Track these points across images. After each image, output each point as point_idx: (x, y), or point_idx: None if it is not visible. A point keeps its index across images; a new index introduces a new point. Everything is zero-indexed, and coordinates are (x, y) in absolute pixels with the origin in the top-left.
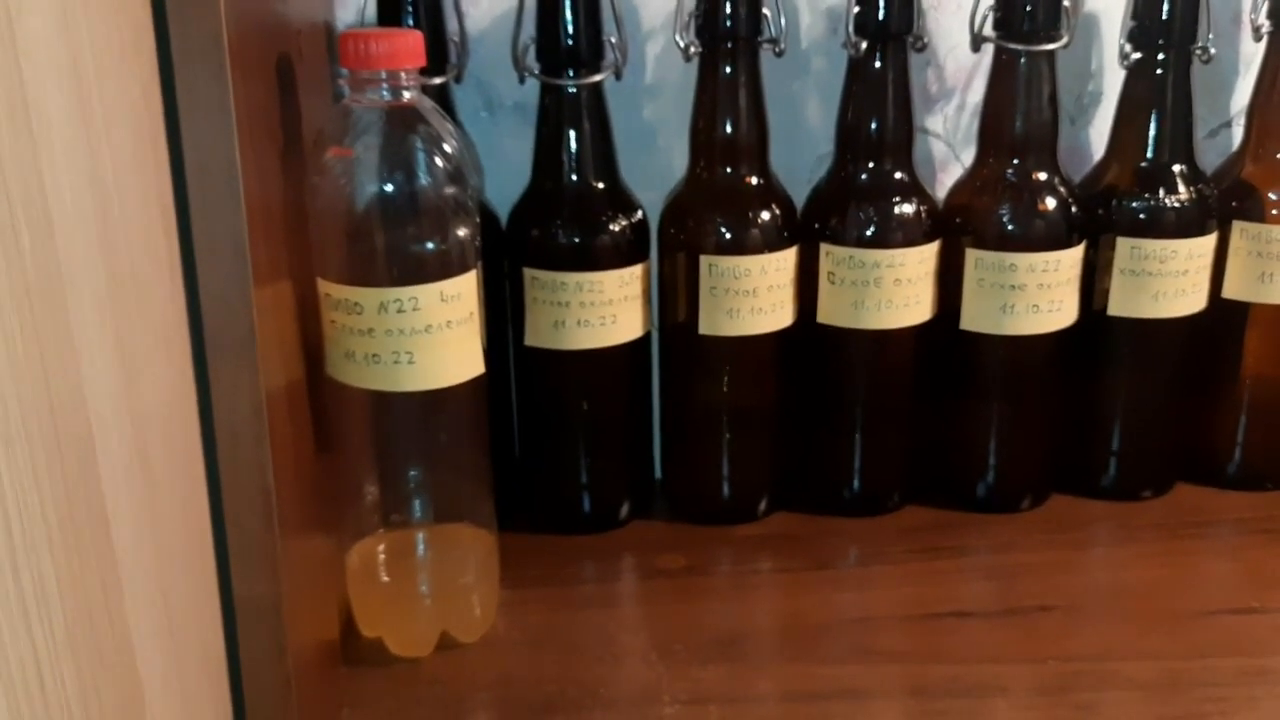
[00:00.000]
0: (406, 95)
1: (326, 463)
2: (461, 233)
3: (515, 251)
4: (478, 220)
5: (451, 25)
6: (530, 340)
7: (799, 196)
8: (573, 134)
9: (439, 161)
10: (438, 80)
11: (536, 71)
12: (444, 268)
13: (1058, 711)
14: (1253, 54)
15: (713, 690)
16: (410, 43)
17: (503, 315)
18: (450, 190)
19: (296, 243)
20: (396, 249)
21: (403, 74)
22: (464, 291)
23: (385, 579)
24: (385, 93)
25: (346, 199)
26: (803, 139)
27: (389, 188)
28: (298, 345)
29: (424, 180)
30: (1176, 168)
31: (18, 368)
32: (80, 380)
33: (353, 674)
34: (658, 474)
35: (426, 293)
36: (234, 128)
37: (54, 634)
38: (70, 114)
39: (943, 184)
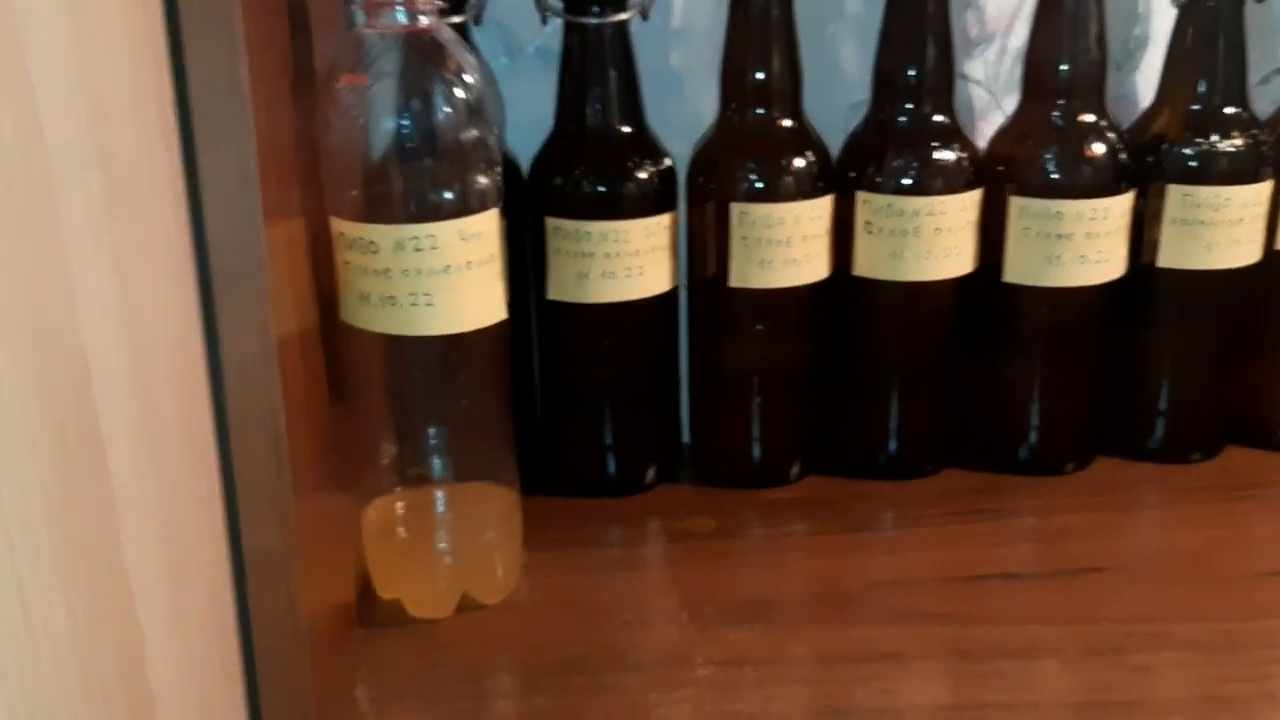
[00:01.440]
0: (423, 20)
1: (341, 415)
2: (482, 168)
3: (537, 200)
4: (499, 158)
5: None
6: (553, 294)
7: (834, 146)
8: (597, 76)
9: (459, 92)
10: (456, 20)
11: (559, 10)
12: (463, 205)
13: (1112, 673)
14: None
15: (747, 652)
16: None
17: (524, 270)
18: (470, 123)
19: (309, 180)
20: (413, 184)
21: None
22: (485, 230)
23: (403, 536)
24: (401, 17)
25: (360, 131)
26: (837, 86)
27: (405, 118)
28: (310, 289)
29: (442, 111)
30: (1229, 111)
31: None
32: (72, 290)
33: (369, 636)
34: (685, 437)
35: (445, 230)
36: (242, 48)
37: (41, 561)
38: (59, 6)
39: (983, 133)
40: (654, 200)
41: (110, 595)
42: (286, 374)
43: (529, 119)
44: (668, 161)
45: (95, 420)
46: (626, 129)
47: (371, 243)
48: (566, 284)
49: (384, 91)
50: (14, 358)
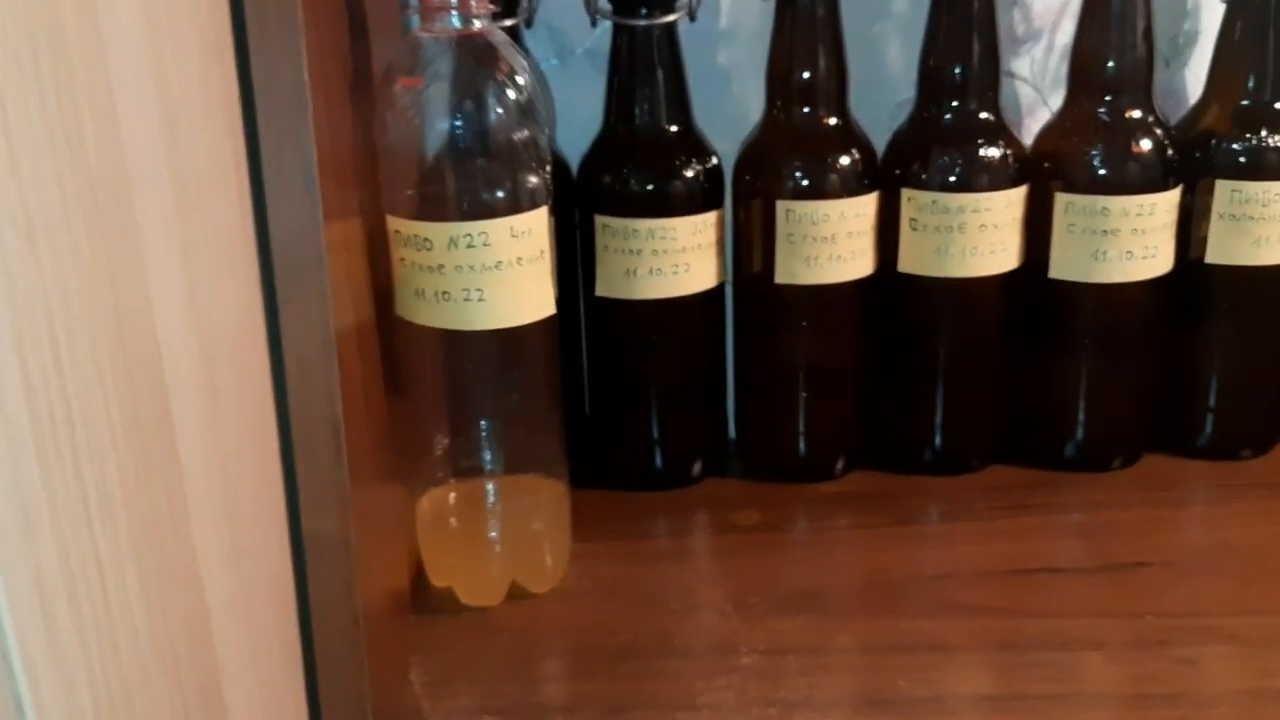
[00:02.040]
0: (477, 24)
1: (397, 408)
2: (533, 167)
3: (586, 199)
4: (549, 158)
5: None
6: (601, 290)
7: (879, 144)
8: (645, 77)
9: (510, 93)
10: (508, 23)
11: (608, 12)
12: (514, 203)
13: (1158, 665)
14: None
15: (792, 641)
16: None
17: (574, 267)
18: (521, 123)
19: (366, 180)
20: (466, 183)
21: (473, 2)
22: (535, 228)
23: (455, 526)
24: (455, 21)
25: (415, 131)
26: (883, 85)
27: (458, 119)
28: (367, 285)
29: (495, 111)
30: (1279, 106)
31: (81, 259)
32: (147, 284)
33: (423, 623)
34: (732, 431)
35: (496, 228)
36: (302, 50)
37: (117, 536)
38: (136, 14)
39: (1030, 130)
40: (700, 198)
41: (179, 572)
42: (344, 366)
43: (579, 119)
44: (714, 160)
45: (167, 407)
46: (674, 128)
47: (426, 240)
48: (614, 281)
49: (438, 93)
50: (95, 347)
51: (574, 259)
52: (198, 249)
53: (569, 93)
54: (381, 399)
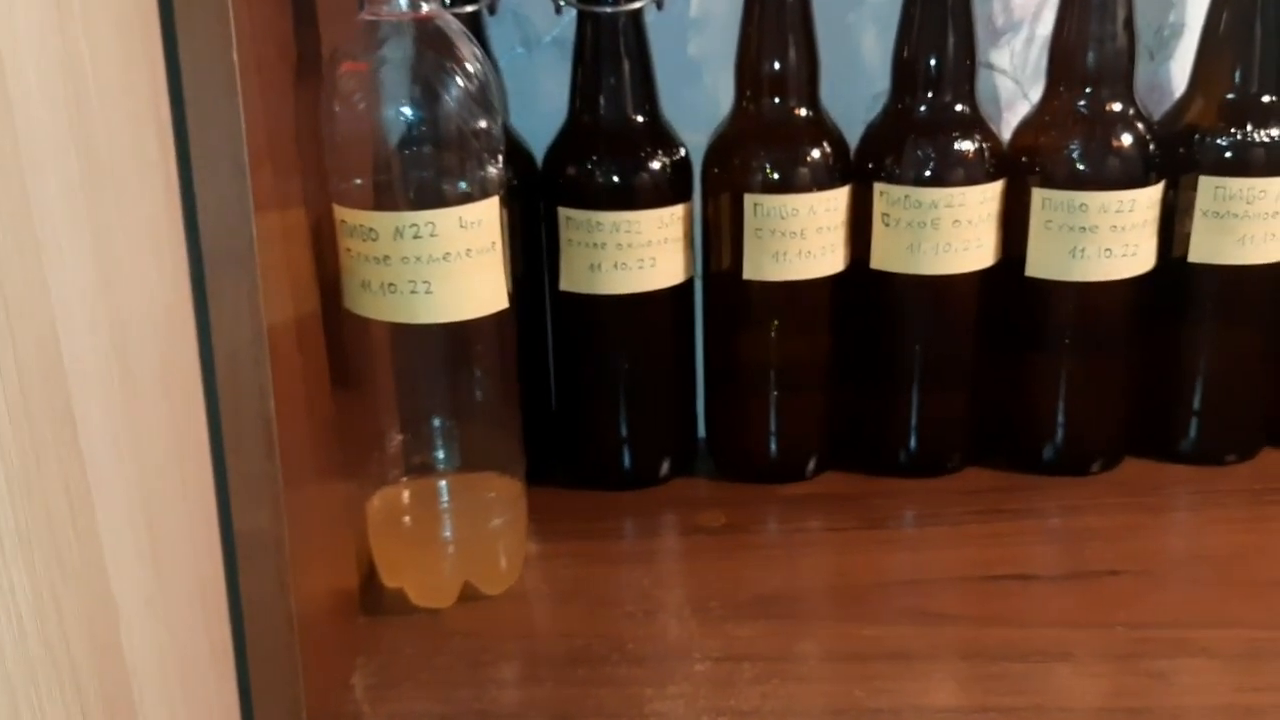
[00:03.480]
0: (426, 7)
1: (346, 402)
2: (482, 157)
3: (550, 190)
4: (502, 147)
5: None
6: (565, 284)
7: (854, 136)
8: (611, 66)
9: (460, 80)
10: (470, 9)
11: None
12: (464, 193)
13: (1127, 679)
14: None
15: (748, 648)
16: None
17: (539, 260)
18: (472, 112)
19: (312, 167)
20: (413, 172)
21: None
22: (485, 219)
23: (408, 525)
24: (404, 3)
25: (360, 117)
26: (858, 76)
27: (404, 105)
28: (311, 275)
29: (443, 99)
30: (1266, 100)
31: None
32: (42, 265)
33: (372, 623)
34: (702, 430)
35: (444, 218)
36: (233, 36)
37: (3, 531)
38: None
39: (1009, 124)
40: (667, 191)
41: (79, 569)
42: (281, 359)
43: (546, 109)
44: (682, 152)
45: (67, 399)
46: (640, 119)
47: (371, 230)
48: (578, 275)
49: (385, 79)
50: None
51: (540, 252)
52: (111, 232)
53: (535, 81)
54: (326, 393)
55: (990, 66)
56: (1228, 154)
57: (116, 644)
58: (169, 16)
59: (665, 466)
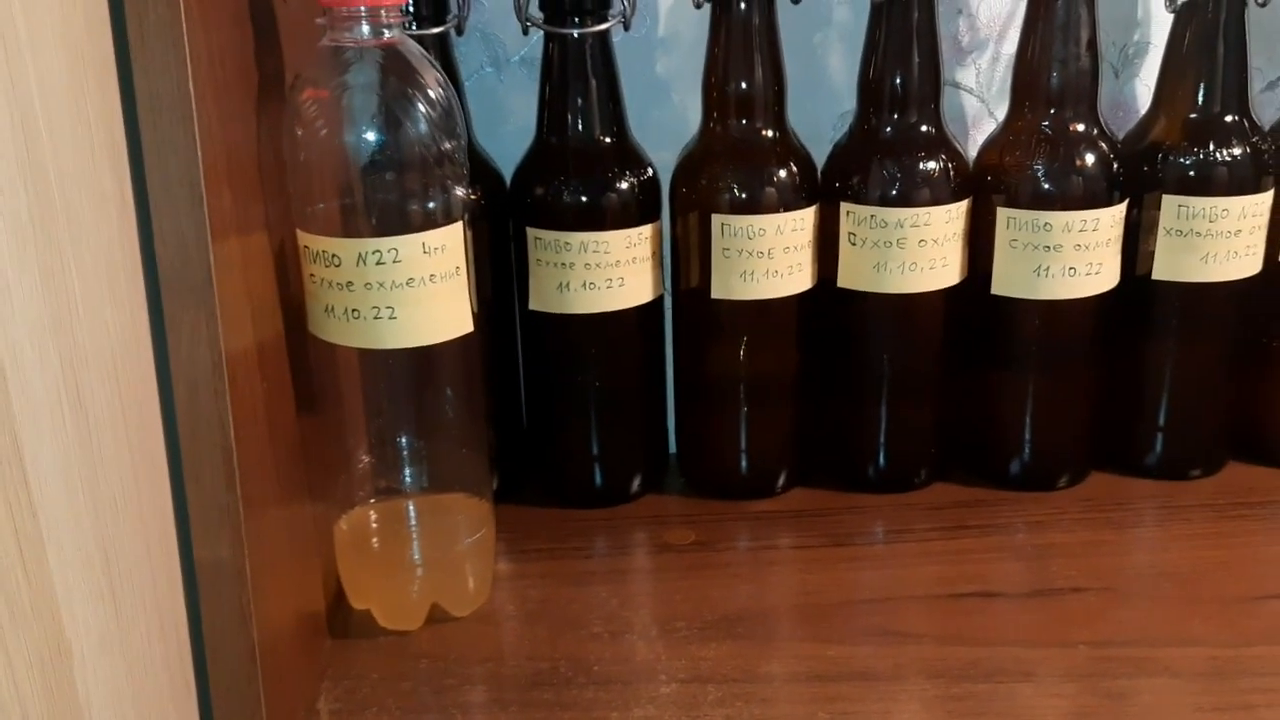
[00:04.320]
0: (387, 34)
1: (313, 427)
2: (446, 182)
3: (518, 211)
4: (466, 171)
5: None
6: (534, 304)
7: (821, 155)
8: (578, 87)
9: (422, 106)
10: (437, 30)
11: (540, 20)
12: (427, 218)
13: (1087, 699)
14: None
15: (713, 669)
16: None
17: (509, 279)
18: (434, 137)
19: (276, 192)
20: (376, 197)
21: (383, 11)
22: (449, 244)
23: (374, 547)
24: (365, 31)
25: (322, 144)
26: (826, 95)
27: (366, 131)
28: (274, 301)
29: (405, 124)
30: (1229, 119)
31: None
32: None
33: (339, 646)
34: (672, 447)
35: (408, 244)
36: (187, 60)
37: None
38: None
39: (976, 141)
40: (635, 211)
41: (29, 614)
42: (242, 387)
43: (515, 128)
44: (649, 171)
45: (15, 440)
46: (608, 139)
47: (334, 256)
48: (547, 295)
49: (347, 105)
50: None
51: (510, 272)
52: (64, 268)
53: (504, 100)
54: (290, 419)
55: (956, 85)
56: (1191, 173)
57: (70, 685)
58: (123, 43)
59: (636, 483)
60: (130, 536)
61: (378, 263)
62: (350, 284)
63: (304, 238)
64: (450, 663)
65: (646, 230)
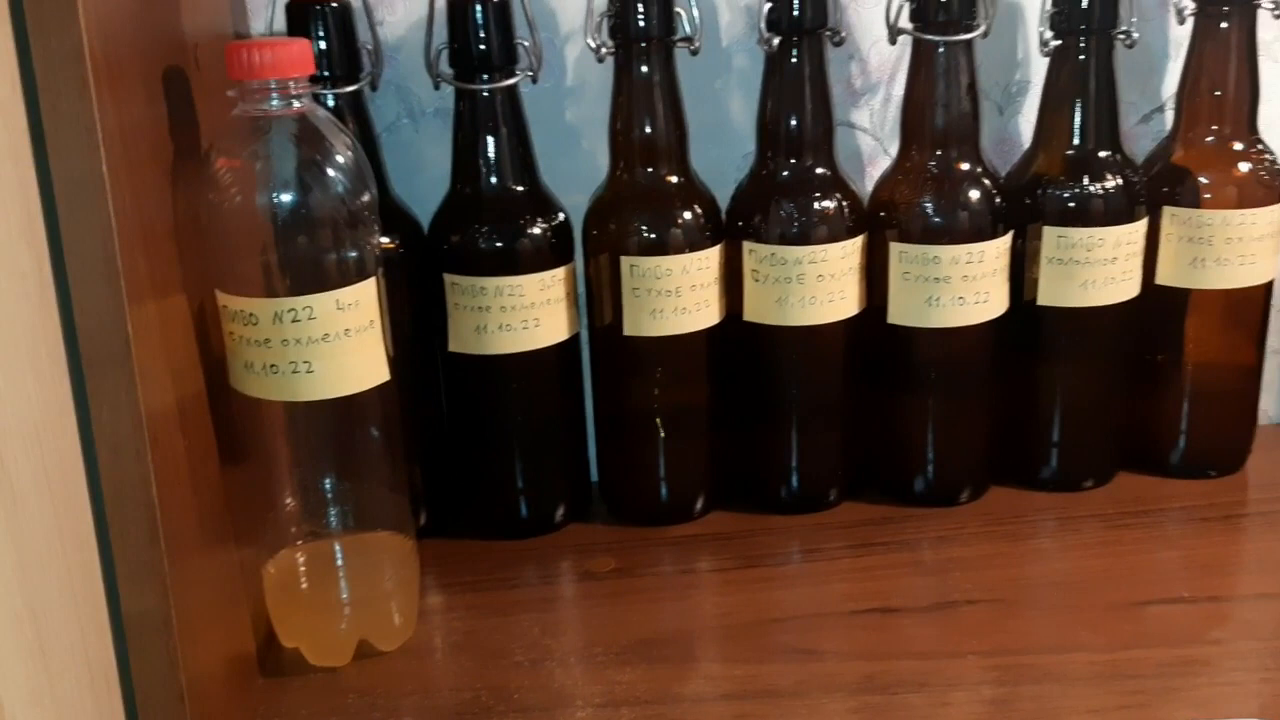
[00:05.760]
0: (296, 104)
1: (237, 477)
2: (357, 241)
3: (435, 258)
4: (377, 228)
5: (365, 33)
6: (454, 346)
7: (726, 196)
8: (489, 138)
9: (330, 170)
10: (351, 88)
11: (450, 77)
12: (340, 276)
13: (972, 708)
14: (1183, 37)
15: (628, 693)
16: (296, 51)
17: (429, 322)
18: (343, 199)
19: (191, 256)
20: (288, 259)
21: (292, 83)
22: (362, 299)
23: (302, 588)
24: (275, 102)
25: (236, 209)
26: (729, 138)
27: (278, 197)
28: (194, 359)
29: (314, 189)
30: (1102, 154)
31: None
32: None
33: (270, 686)
34: (595, 476)
35: (321, 301)
36: (100, 143)
37: None
38: None
39: (871, 178)
40: (547, 255)
41: None
42: (164, 445)
43: (432, 178)
44: (561, 216)
45: None
46: (519, 187)
47: (252, 314)
48: (466, 337)
49: (259, 172)
50: None
51: (430, 314)
52: None
53: (421, 150)
54: (214, 470)
55: (851, 125)
56: (1070, 204)
57: None
58: (38, 129)
59: (560, 513)
60: (58, 593)
61: (293, 320)
62: (268, 341)
63: (222, 298)
64: (377, 697)
65: (560, 272)
